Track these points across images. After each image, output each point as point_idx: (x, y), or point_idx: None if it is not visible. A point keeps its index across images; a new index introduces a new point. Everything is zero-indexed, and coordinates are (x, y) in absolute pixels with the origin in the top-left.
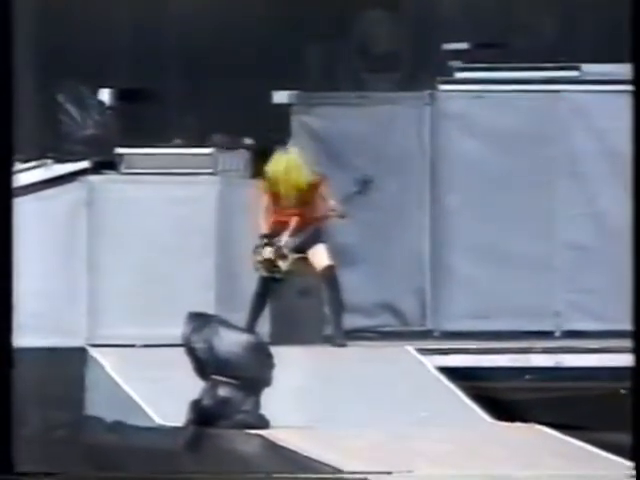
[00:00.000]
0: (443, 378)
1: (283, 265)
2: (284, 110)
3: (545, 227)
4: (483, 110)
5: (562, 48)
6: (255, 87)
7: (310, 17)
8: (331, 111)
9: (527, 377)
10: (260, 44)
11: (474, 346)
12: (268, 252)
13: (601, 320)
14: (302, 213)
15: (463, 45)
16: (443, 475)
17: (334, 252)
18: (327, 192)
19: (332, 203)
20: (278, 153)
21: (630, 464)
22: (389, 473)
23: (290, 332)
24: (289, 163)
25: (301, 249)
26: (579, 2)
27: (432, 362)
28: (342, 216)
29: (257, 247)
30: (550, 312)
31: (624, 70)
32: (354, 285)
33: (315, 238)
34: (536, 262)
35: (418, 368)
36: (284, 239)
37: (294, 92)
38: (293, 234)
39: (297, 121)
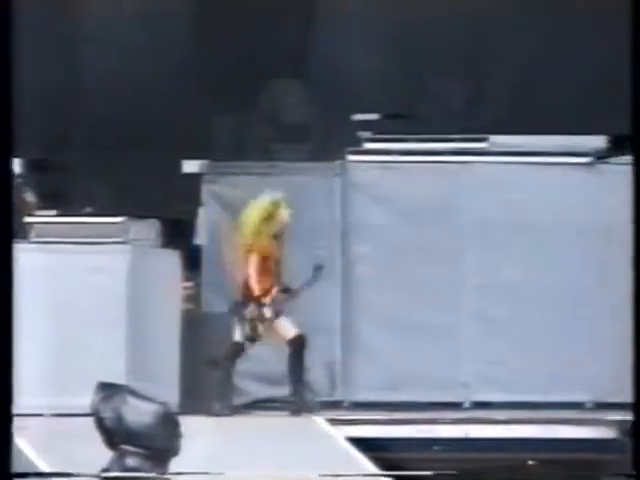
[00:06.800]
0: (352, 449)
1: (262, 329)
2: (195, 180)
3: (454, 298)
4: (393, 180)
5: (471, 119)
6: (166, 157)
7: (221, 87)
8: (241, 181)
9: (435, 448)
10: (171, 114)
11: (383, 417)
12: (252, 314)
13: (509, 391)
14: (278, 280)
15: (373, 116)
16: None
17: None
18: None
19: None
20: (261, 198)
21: None
22: None
23: (199, 402)
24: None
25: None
26: (489, 73)
27: (342, 433)
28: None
29: (238, 307)
30: (459, 383)
31: (532, 141)
32: (263, 355)
33: (282, 307)
34: (445, 333)
35: (327, 439)
36: (267, 302)
37: (204, 161)
38: (274, 300)
39: (207, 190)
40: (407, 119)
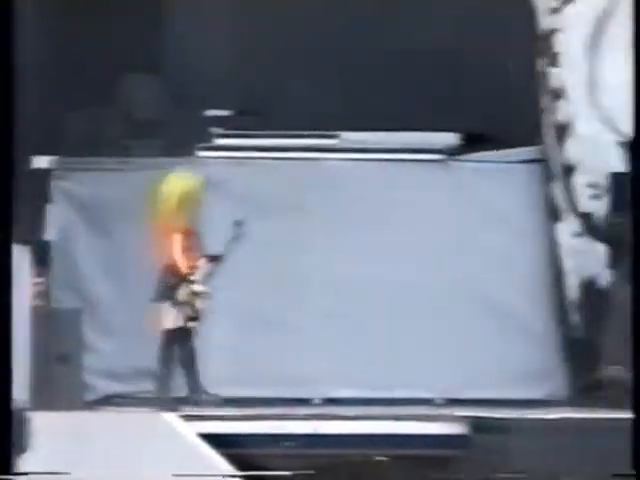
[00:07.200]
0: (204, 445)
1: (200, 305)
2: (45, 175)
3: (303, 294)
4: (244, 177)
5: (323, 116)
6: (17, 152)
7: (73, 82)
8: (92, 177)
9: (286, 444)
10: (22, 109)
11: (234, 413)
12: (184, 294)
13: (358, 387)
14: (200, 254)
15: (225, 112)
16: None
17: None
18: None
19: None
20: (173, 176)
21: None
22: None
23: (50, 397)
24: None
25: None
26: (340, 69)
27: (193, 429)
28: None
29: (168, 291)
30: (308, 379)
31: (383, 138)
32: (113, 351)
33: (210, 278)
34: (295, 329)
35: (178, 435)
36: (197, 278)
37: (53, 157)
38: (202, 273)
39: (57, 187)
40: (260, 115)
